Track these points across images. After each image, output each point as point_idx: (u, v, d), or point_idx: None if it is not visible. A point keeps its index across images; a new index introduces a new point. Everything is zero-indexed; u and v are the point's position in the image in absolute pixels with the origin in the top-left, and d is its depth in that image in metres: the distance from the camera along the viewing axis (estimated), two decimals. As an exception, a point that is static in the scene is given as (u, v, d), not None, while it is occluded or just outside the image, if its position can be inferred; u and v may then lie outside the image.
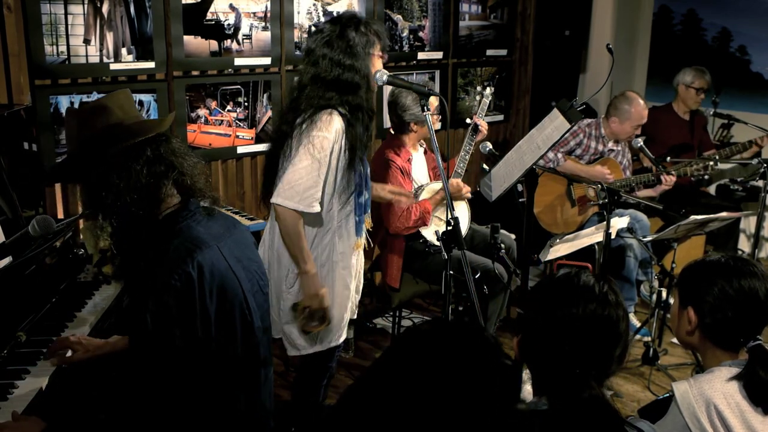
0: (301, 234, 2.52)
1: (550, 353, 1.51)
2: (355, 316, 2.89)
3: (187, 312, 1.73)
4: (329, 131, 2.47)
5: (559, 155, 4.22)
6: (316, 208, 2.50)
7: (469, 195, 3.57)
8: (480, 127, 3.59)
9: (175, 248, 1.76)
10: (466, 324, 1.12)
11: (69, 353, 2.16)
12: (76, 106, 3.30)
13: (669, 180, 4.17)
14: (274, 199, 2.49)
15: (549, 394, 1.53)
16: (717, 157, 4.30)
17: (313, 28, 4.06)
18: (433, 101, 3.45)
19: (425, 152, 3.77)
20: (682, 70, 4.77)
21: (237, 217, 3.63)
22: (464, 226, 3.65)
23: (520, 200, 4.31)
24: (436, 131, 2.84)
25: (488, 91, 3.76)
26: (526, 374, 1.61)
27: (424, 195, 3.53)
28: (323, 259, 2.63)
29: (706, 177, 4.29)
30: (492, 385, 0.99)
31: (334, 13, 4.11)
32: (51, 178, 3.23)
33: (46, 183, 3.26)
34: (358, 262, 2.78)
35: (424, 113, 2.54)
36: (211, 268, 1.78)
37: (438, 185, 3.56)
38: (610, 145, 4.34)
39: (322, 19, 4.12)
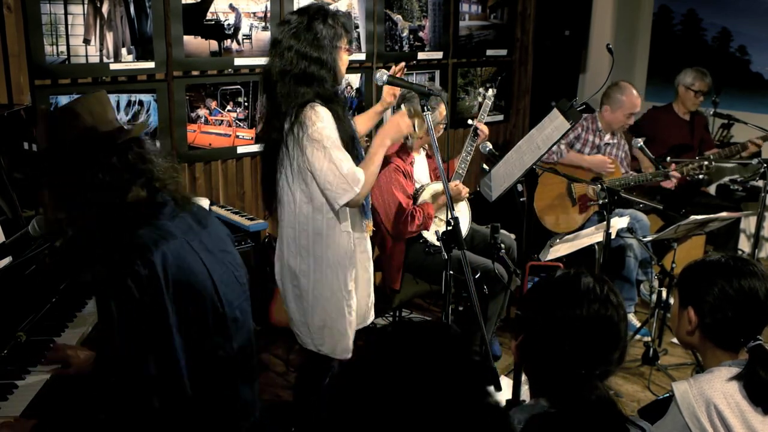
0: (365, 169, 2.55)
1: (554, 355, 1.51)
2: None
3: (152, 301, 1.73)
4: (321, 120, 2.48)
5: (563, 147, 4.24)
6: (362, 172, 2.54)
7: (467, 194, 3.59)
8: (480, 131, 3.60)
9: (140, 237, 1.77)
10: (431, 322, 1.13)
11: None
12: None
13: (675, 175, 4.20)
14: (338, 204, 2.52)
15: (549, 395, 1.53)
16: (712, 157, 4.32)
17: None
18: (442, 110, 3.47)
19: (427, 155, 3.79)
20: (684, 71, 4.77)
21: (237, 217, 3.63)
22: (465, 227, 3.65)
23: (521, 200, 4.31)
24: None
25: (490, 92, 3.76)
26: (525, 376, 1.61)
27: (425, 195, 3.54)
28: (343, 246, 2.63)
29: (701, 177, 4.31)
30: (460, 380, 0.99)
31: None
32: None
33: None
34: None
35: (424, 113, 2.55)
36: (177, 259, 1.78)
37: (438, 185, 3.56)
38: (607, 138, 4.37)
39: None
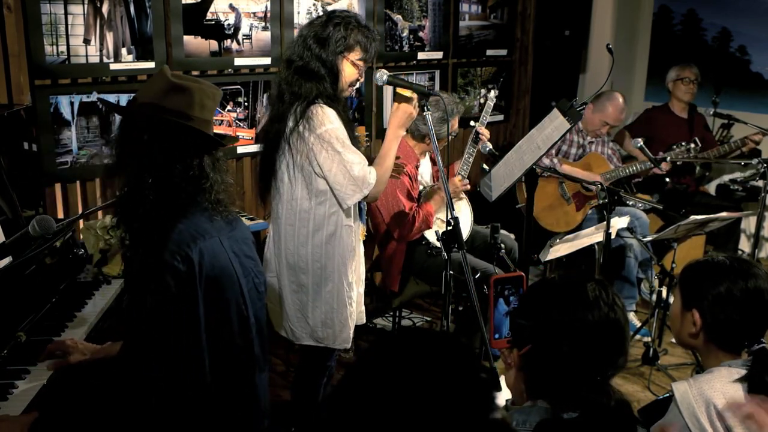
0: (378, 168, 2.57)
1: (567, 361, 1.49)
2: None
3: (187, 296, 1.74)
4: (331, 122, 2.49)
5: (555, 160, 4.24)
6: (374, 174, 2.55)
7: (467, 187, 3.58)
8: (481, 135, 3.60)
9: (179, 232, 1.77)
10: (440, 332, 1.13)
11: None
12: (77, 106, 3.31)
13: (664, 167, 4.22)
14: (346, 204, 2.57)
15: (559, 401, 1.52)
16: (697, 139, 4.36)
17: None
18: (455, 124, 3.50)
19: (431, 158, 3.80)
20: (669, 70, 4.82)
21: (237, 217, 3.63)
22: (466, 228, 3.66)
23: (517, 206, 4.31)
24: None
25: (492, 94, 3.76)
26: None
27: (426, 197, 3.55)
28: (344, 239, 2.64)
29: (690, 157, 4.35)
30: (465, 394, 0.98)
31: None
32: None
33: (46, 183, 3.27)
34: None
35: (424, 113, 2.55)
36: (212, 257, 1.79)
37: (437, 185, 3.57)
38: (589, 137, 4.39)
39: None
